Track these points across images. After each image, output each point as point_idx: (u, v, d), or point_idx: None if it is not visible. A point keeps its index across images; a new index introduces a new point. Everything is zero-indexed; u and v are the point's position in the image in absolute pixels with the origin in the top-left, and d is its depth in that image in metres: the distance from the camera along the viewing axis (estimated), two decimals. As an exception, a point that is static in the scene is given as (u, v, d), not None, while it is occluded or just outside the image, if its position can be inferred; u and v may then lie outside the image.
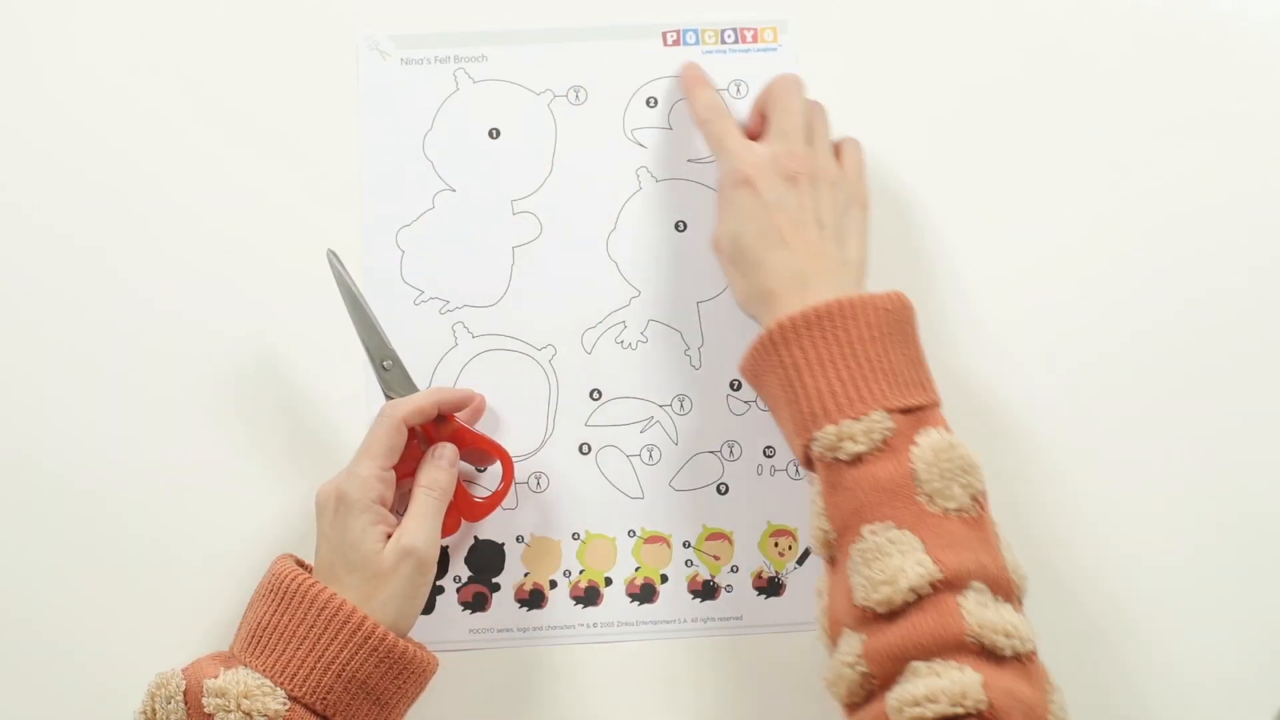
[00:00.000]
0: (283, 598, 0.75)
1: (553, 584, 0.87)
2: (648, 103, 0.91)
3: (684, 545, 0.87)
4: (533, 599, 0.87)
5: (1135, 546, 0.88)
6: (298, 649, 0.73)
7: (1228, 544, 0.88)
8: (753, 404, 0.89)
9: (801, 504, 0.83)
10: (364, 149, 0.90)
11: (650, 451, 0.88)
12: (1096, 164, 0.93)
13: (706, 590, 0.87)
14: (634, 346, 0.89)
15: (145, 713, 0.73)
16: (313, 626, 0.74)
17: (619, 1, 0.93)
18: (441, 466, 0.81)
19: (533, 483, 0.87)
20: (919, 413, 0.74)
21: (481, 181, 0.90)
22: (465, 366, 0.88)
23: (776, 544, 0.87)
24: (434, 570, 0.78)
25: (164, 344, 0.89)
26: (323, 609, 0.74)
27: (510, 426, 0.88)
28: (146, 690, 0.74)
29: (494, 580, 0.87)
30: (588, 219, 0.90)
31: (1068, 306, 0.91)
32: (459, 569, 0.87)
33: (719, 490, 0.88)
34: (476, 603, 0.86)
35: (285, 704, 0.72)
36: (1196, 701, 0.87)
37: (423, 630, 0.82)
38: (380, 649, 0.74)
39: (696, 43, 0.92)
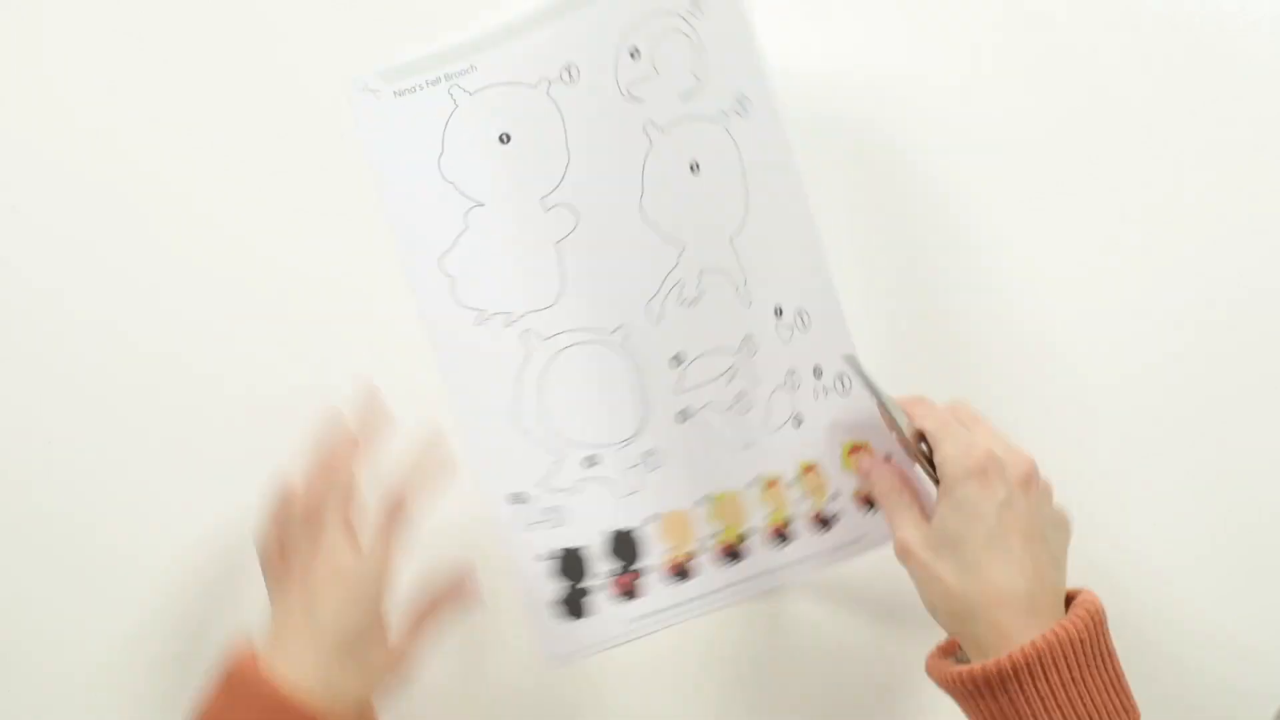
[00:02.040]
0: (239, 689, 0.70)
1: (696, 552, 0.88)
2: (631, 55, 0.89)
3: (787, 485, 0.89)
4: (682, 572, 0.88)
5: (1138, 548, 0.90)
6: None
7: (1231, 546, 0.90)
8: (794, 327, 0.89)
9: (858, 415, 0.87)
10: (382, 188, 0.86)
11: (741, 400, 0.89)
12: (1121, 172, 0.94)
13: (823, 522, 0.90)
14: (696, 301, 0.89)
15: None
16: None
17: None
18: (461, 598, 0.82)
19: (647, 464, 0.88)
20: None
21: (507, 188, 0.87)
22: (544, 371, 0.88)
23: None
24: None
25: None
26: (275, 706, 0.69)
27: (606, 416, 0.88)
28: None
29: (639, 565, 0.88)
30: (616, 192, 0.89)
31: (1083, 312, 0.92)
32: (600, 566, 0.88)
33: (795, 422, 0.90)
34: (630, 591, 0.87)
35: None
36: (1197, 701, 0.89)
37: (584, 634, 0.85)
38: None
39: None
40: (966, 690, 0.72)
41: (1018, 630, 0.71)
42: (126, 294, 0.88)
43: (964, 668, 0.72)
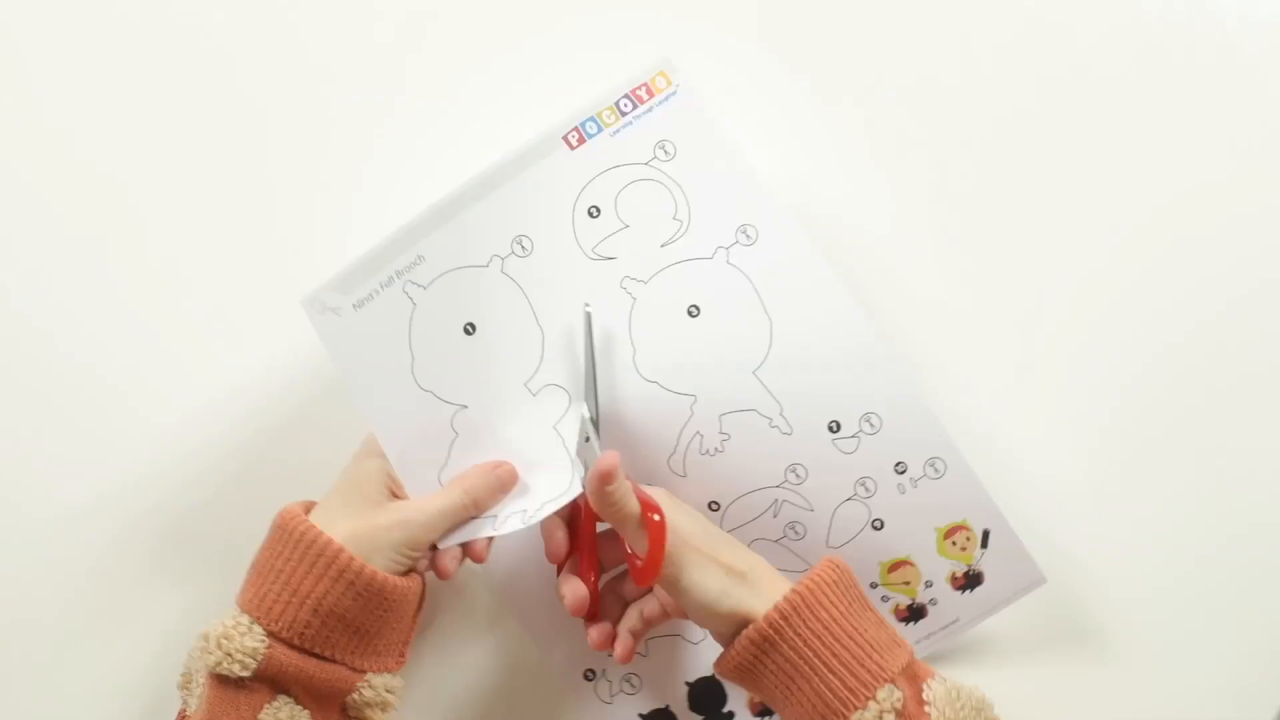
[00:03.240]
0: (275, 535, 0.76)
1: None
2: (590, 213, 0.82)
3: (871, 587, 0.85)
4: (766, 710, 0.87)
5: (1140, 550, 0.89)
6: (275, 584, 0.74)
7: (1231, 549, 0.89)
8: (859, 436, 0.83)
9: (957, 494, 0.84)
10: (366, 412, 0.83)
11: (793, 529, 0.85)
12: (1121, 172, 0.93)
13: (914, 613, 0.86)
14: (720, 449, 0.83)
15: (185, 674, 0.78)
16: (289, 560, 0.74)
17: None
18: (492, 487, 0.81)
19: None
20: (908, 669, 0.73)
21: (486, 382, 0.83)
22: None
23: (954, 542, 0.85)
24: (420, 556, 0.78)
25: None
26: (298, 542, 0.74)
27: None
28: (188, 652, 0.78)
29: (724, 710, 0.87)
30: (605, 359, 0.83)
31: (1079, 320, 0.91)
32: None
33: (874, 527, 0.85)
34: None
35: (264, 640, 0.73)
36: (1198, 702, 0.88)
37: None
38: (357, 582, 0.74)
39: (599, 130, 0.81)
40: (753, 655, 0.73)
41: (779, 584, 0.75)
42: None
43: (745, 632, 0.73)
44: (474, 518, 0.80)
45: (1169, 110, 0.92)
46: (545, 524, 0.81)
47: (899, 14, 0.94)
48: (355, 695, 0.76)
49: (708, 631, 0.77)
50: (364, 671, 0.76)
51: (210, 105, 0.94)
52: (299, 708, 0.74)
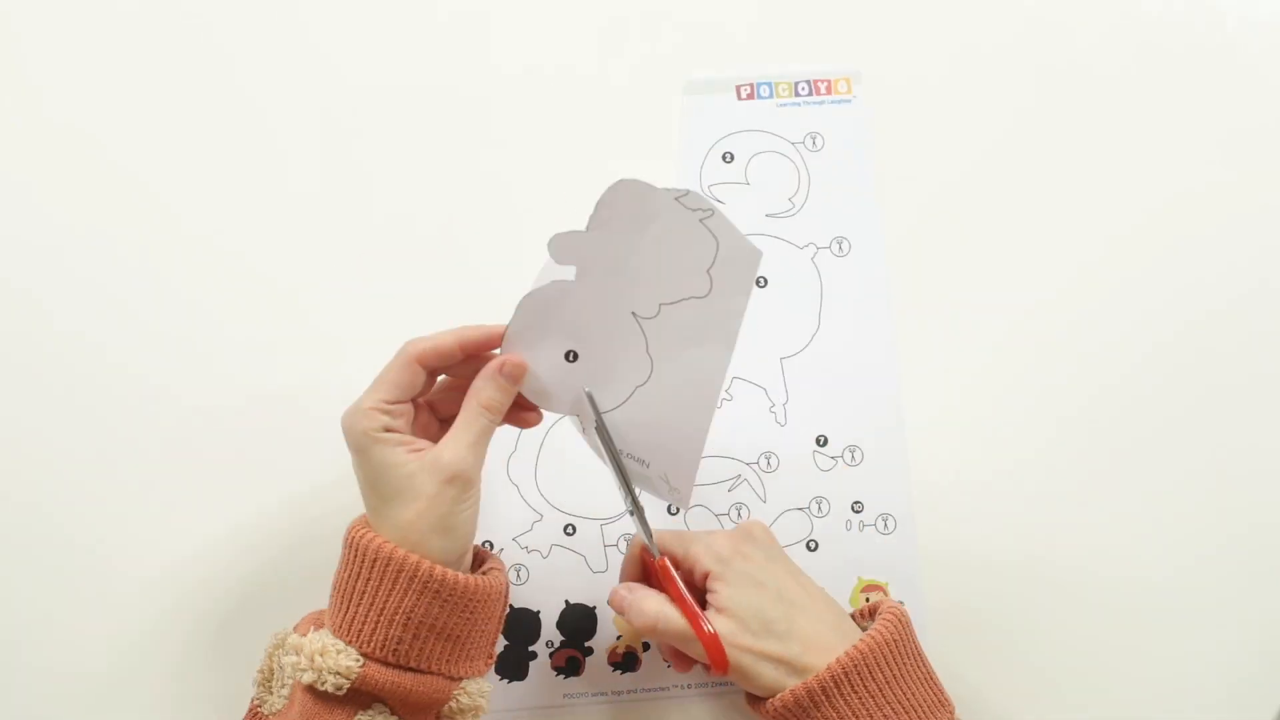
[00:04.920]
0: (348, 554, 0.72)
1: (645, 646, 0.87)
2: (724, 158, 0.91)
3: None
4: (626, 661, 0.87)
5: (1140, 550, 0.90)
6: (360, 604, 0.71)
7: (1231, 546, 0.90)
8: (839, 460, 0.88)
9: (892, 558, 0.86)
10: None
11: (739, 510, 0.88)
12: (1120, 173, 0.94)
13: None
14: (719, 405, 0.88)
15: (263, 670, 0.74)
16: (369, 579, 0.71)
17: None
18: (501, 386, 0.74)
19: (622, 545, 0.87)
20: None
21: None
22: (546, 434, 0.88)
23: (868, 599, 0.87)
24: (477, 491, 0.73)
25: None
26: (374, 559, 0.71)
27: (599, 492, 0.87)
28: (264, 650, 0.75)
29: (586, 644, 0.87)
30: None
31: (1081, 311, 0.92)
32: (551, 634, 0.87)
33: (809, 547, 0.88)
34: (569, 667, 0.86)
35: (358, 660, 0.70)
36: (1198, 702, 0.88)
37: (516, 696, 0.84)
38: (441, 590, 0.71)
39: (771, 95, 0.92)
40: (797, 708, 0.73)
41: (831, 650, 0.73)
42: (119, 301, 0.91)
43: (786, 691, 0.73)
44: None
45: (1169, 110, 0.94)
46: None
47: (898, 13, 0.96)
48: (451, 703, 0.74)
49: None
50: (459, 679, 0.74)
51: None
52: (394, 717, 0.72)
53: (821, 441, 0.89)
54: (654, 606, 0.75)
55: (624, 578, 0.80)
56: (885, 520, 0.88)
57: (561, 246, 0.71)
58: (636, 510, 0.76)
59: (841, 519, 0.88)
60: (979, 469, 0.90)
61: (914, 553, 0.88)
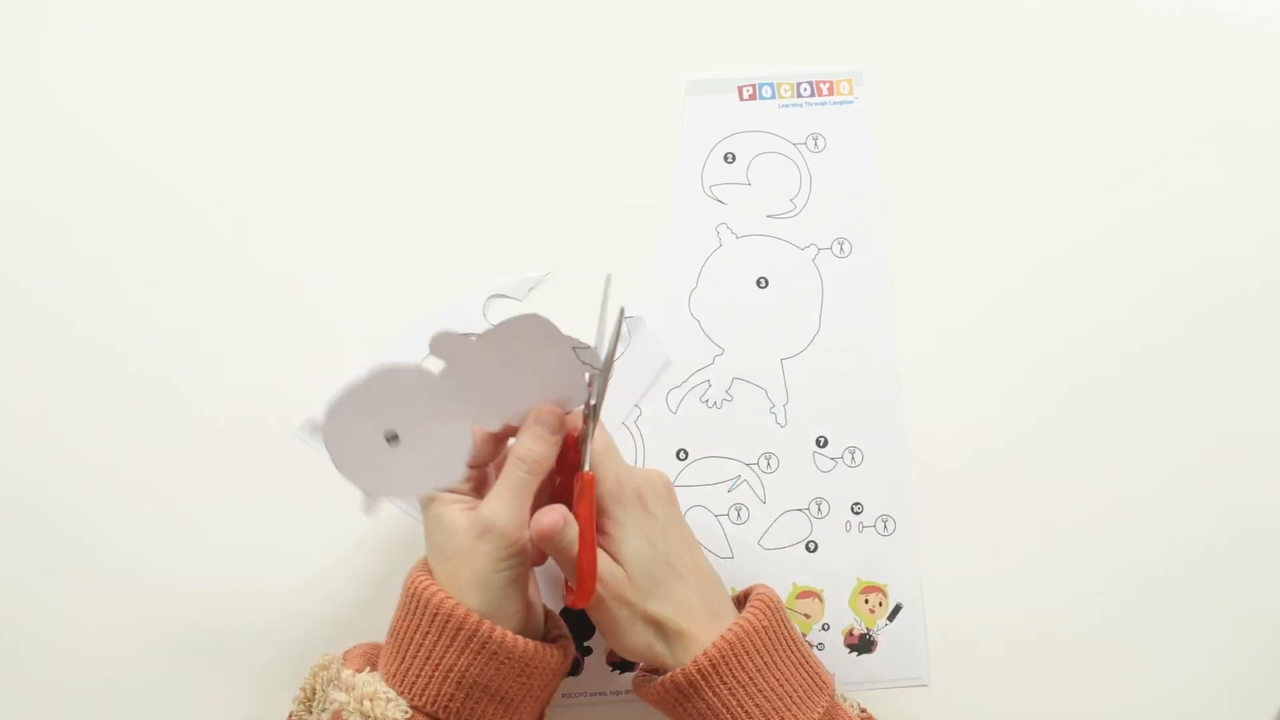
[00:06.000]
0: (407, 601, 0.73)
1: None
2: (725, 158, 0.91)
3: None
4: (624, 661, 0.87)
5: (1139, 550, 0.90)
6: (416, 656, 0.71)
7: (1230, 546, 0.90)
8: (839, 461, 0.88)
9: (892, 559, 0.87)
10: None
11: (738, 510, 0.88)
12: (1118, 173, 0.94)
13: None
14: (719, 405, 0.89)
15: (305, 689, 0.74)
16: (428, 633, 0.71)
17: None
18: (537, 435, 0.75)
19: None
20: (829, 713, 0.75)
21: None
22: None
23: (867, 600, 0.88)
24: (521, 550, 0.72)
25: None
26: (435, 613, 0.70)
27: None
28: (310, 668, 0.75)
29: (585, 644, 0.87)
30: (669, 278, 0.90)
31: (1079, 313, 0.92)
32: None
33: (808, 548, 0.88)
34: (570, 668, 0.86)
35: (406, 713, 0.70)
36: (1198, 702, 0.89)
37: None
38: (499, 652, 0.71)
39: (773, 96, 0.91)
40: (673, 698, 0.74)
41: (706, 634, 0.74)
42: (130, 303, 0.90)
43: (666, 677, 0.74)
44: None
45: (1169, 110, 0.94)
46: None
47: (900, 14, 0.95)
48: None
49: None
50: None
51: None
52: None
53: (821, 442, 0.89)
54: (556, 517, 0.73)
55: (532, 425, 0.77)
56: (885, 522, 0.88)
57: (442, 345, 0.72)
58: (596, 411, 0.76)
59: (841, 520, 0.88)
60: (979, 470, 0.90)
61: (914, 554, 0.88)
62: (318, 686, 0.74)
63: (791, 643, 0.76)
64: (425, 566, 0.74)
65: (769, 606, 0.76)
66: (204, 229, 0.91)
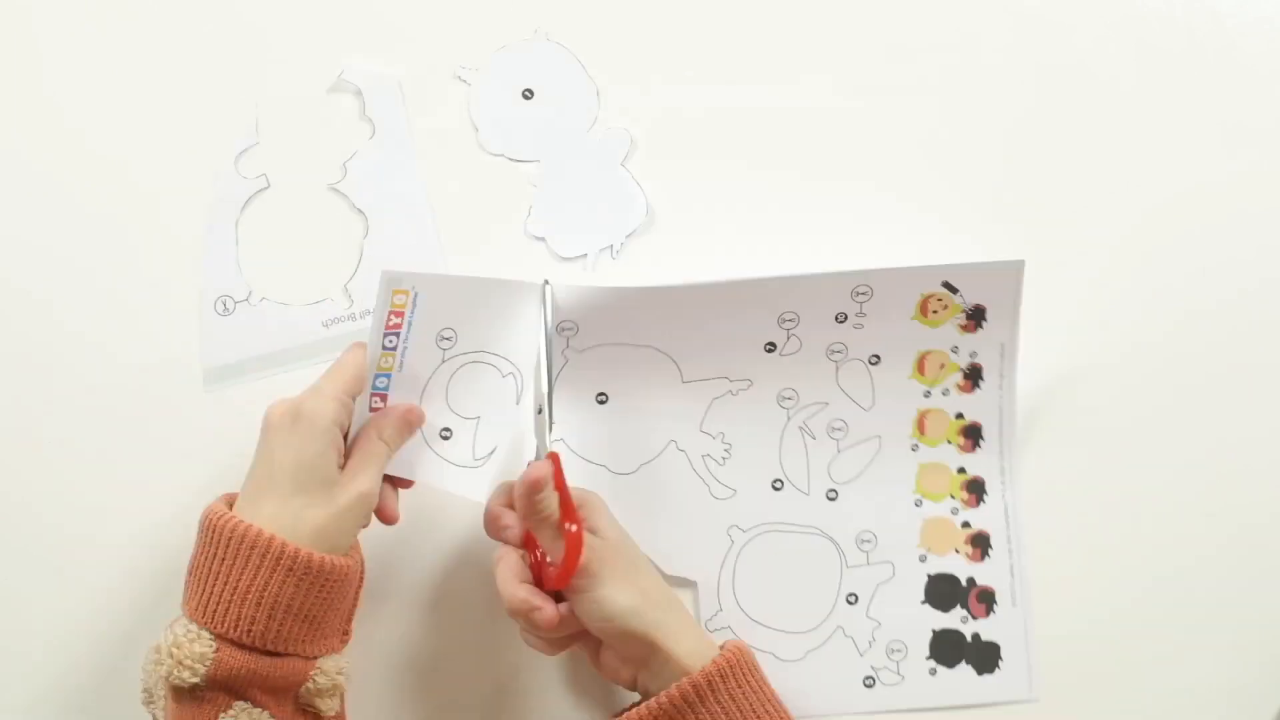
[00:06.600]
0: (203, 536, 0.73)
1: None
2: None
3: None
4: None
5: (1139, 550, 0.90)
6: (215, 584, 0.71)
7: (1231, 545, 0.90)
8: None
9: None
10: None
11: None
12: (1118, 172, 0.94)
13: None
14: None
15: (147, 689, 0.75)
16: (224, 560, 0.71)
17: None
18: (399, 425, 0.78)
19: None
20: None
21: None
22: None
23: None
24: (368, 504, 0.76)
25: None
26: (229, 540, 0.71)
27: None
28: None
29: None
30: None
31: (1078, 312, 0.92)
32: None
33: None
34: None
35: (212, 644, 0.70)
36: (1197, 702, 0.89)
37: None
38: (295, 569, 0.71)
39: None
40: (674, 709, 0.74)
41: (690, 655, 0.75)
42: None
43: (655, 699, 0.74)
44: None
45: (1168, 109, 0.94)
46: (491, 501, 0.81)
47: (897, 12, 0.95)
48: (309, 684, 0.74)
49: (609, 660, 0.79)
50: (315, 658, 0.74)
51: None
52: (258, 710, 0.72)
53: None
54: (543, 470, 0.75)
55: (492, 510, 0.80)
56: None
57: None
58: (548, 408, 0.81)
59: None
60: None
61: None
62: (152, 684, 0.74)
63: (764, 682, 0.78)
64: (222, 502, 0.75)
65: (742, 649, 0.78)
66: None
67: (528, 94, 0.92)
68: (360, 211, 0.90)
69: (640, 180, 0.92)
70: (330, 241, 0.90)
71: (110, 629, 0.87)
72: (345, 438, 0.76)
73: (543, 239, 0.91)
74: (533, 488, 0.74)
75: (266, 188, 0.90)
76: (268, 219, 0.90)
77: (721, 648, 0.78)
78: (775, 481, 0.88)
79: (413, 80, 0.92)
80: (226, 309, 0.89)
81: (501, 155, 0.92)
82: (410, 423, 0.79)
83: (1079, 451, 0.91)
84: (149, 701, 0.75)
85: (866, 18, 0.95)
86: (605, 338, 0.85)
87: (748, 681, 0.76)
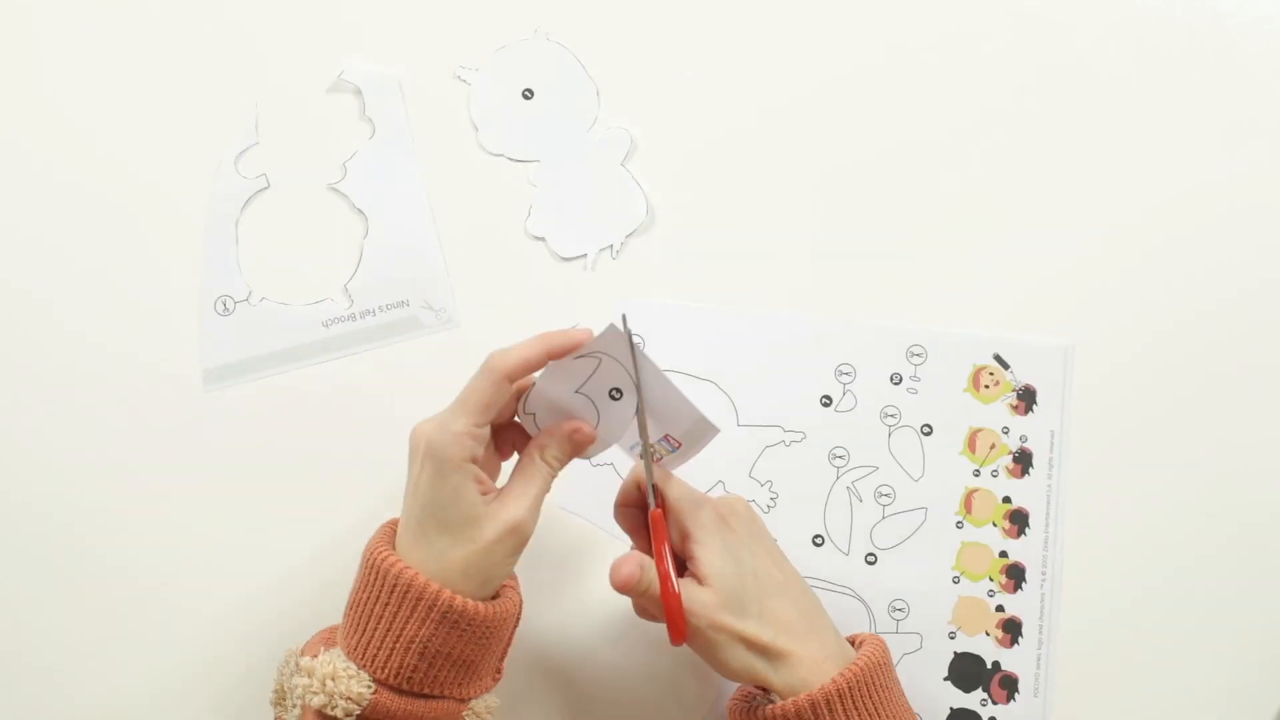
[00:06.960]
0: (367, 574, 0.72)
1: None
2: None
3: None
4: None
5: (1139, 550, 0.90)
6: (377, 628, 0.71)
7: (1231, 545, 0.90)
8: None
9: None
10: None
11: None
12: (1118, 172, 0.94)
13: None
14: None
15: (277, 690, 0.75)
16: (387, 604, 0.71)
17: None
18: (564, 445, 0.76)
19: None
20: None
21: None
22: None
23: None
24: (526, 542, 0.74)
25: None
26: (394, 585, 0.71)
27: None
28: (277, 667, 0.76)
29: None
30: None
31: (1077, 315, 0.92)
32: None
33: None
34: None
35: (370, 687, 0.70)
36: (1197, 702, 0.89)
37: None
38: (460, 620, 0.70)
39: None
40: None
41: (809, 650, 0.74)
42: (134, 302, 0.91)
43: (775, 707, 0.74)
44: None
45: (1168, 109, 0.94)
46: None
47: (897, 11, 0.95)
48: None
49: None
50: (468, 699, 0.74)
51: None
52: None
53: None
54: (633, 567, 0.74)
55: (618, 504, 0.80)
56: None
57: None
58: (646, 451, 0.76)
59: None
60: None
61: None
62: (284, 683, 0.74)
63: (899, 687, 0.78)
64: (386, 537, 0.74)
65: (884, 648, 0.77)
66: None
67: (527, 94, 0.92)
68: (360, 211, 0.91)
69: (640, 180, 0.91)
70: (330, 241, 0.91)
71: (110, 629, 0.87)
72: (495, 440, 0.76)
73: (542, 239, 0.91)
74: (626, 590, 0.74)
75: (266, 187, 0.91)
76: (268, 219, 0.91)
77: (858, 647, 0.77)
78: (816, 537, 0.89)
79: (413, 80, 0.93)
80: (226, 309, 0.89)
81: (501, 155, 0.92)
82: (578, 443, 0.76)
83: (1079, 451, 0.90)
84: (279, 703, 0.75)
85: (866, 17, 0.95)
86: (672, 363, 0.88)
87: (873, 694, 0.74)
